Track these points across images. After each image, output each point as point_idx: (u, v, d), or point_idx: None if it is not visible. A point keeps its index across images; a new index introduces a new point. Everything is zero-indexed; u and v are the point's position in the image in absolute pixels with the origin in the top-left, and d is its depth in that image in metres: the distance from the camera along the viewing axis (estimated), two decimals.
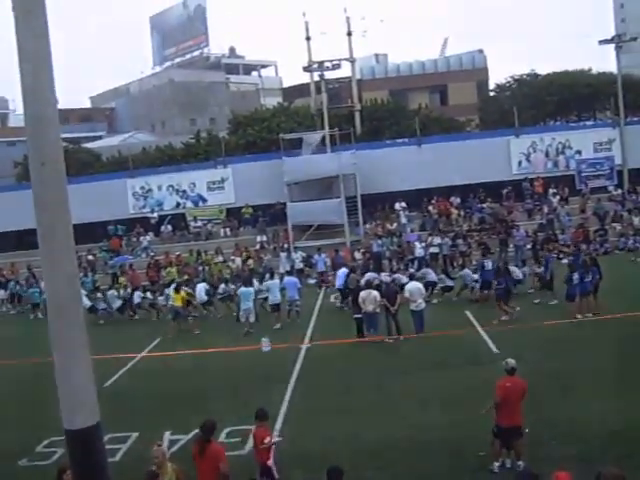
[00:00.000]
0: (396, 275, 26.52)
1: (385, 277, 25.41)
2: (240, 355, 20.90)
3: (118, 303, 30.06)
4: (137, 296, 30.11)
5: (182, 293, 26.47)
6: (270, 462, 10.67)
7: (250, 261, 34.59)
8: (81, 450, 6.25)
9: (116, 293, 30.34)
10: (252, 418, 13.88)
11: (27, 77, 5.64)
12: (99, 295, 30.46)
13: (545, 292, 24.80)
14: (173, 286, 27.70)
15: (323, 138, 40.51)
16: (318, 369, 18.91)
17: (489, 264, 25.04)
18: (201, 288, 28.31)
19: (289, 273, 29.28)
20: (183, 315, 26.26)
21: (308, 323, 24.97)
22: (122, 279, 33.21)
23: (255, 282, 27.27)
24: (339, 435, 13.26)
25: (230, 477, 9.93)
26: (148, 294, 30.21)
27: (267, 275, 29.40)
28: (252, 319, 24.76)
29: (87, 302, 28.12)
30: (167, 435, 14.51)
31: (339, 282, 27.27)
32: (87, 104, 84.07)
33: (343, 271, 27.33)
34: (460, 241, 34.43)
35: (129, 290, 30.86)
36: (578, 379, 15.69)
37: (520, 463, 11.40)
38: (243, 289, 25.45)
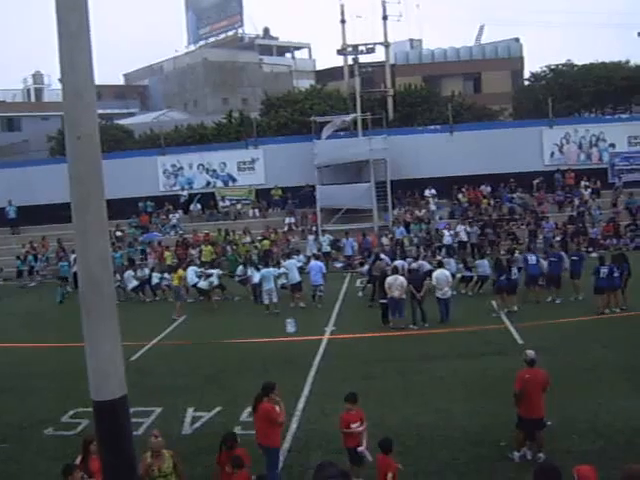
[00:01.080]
0: (420, 262, 26.36)
1: (412, 264, 25.34)
2: (264, 337, 21.05)
3: (134, 283, 29.68)
4: (155, 277, 30.14)
5: (179, 272, 26.96)
6: (361, 448, 10.52)
7: (265, 242, 35.03)
8: (107, 421, 6.37)
9: (133, 273, 29.80)
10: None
11: (66, 52, 5.71)
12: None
13: (551, 289, 23.99)
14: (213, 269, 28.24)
15: (355, 122, 40.39)
16: (341, 354, 18.96)
17: (533, 258, 24.28)
18: (190, 271, 27.87)
19: (315, 257, 29.21)
20: (179, 293, 26.44)
21: (332, 307, 25.00)
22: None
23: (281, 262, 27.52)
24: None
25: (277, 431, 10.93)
26: (166, 275, 29.56)
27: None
28: (275, 299, 24.91)
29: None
30: (190, 412, 14.67)
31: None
32: (121, 81, 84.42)
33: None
34: (490, 230, 34.27)
35: (147, 271, 30.43)
36: (602, 374, 15.60)
37: (541, 455, 11.38)
38: (264, 270, 25.76)
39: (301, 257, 27.26)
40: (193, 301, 27.76)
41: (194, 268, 28.55)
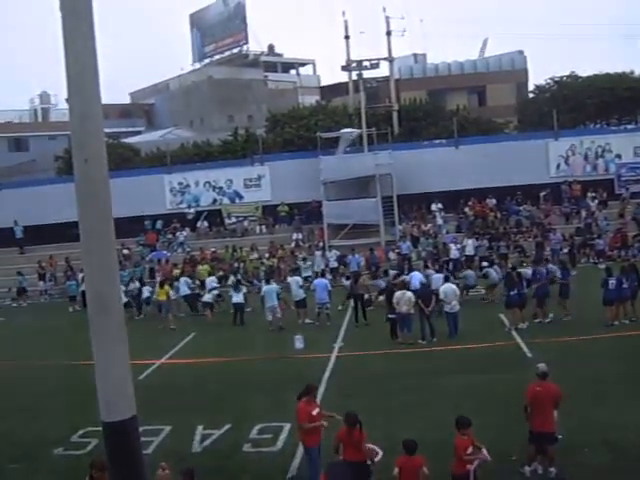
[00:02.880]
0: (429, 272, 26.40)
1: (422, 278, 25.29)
2: (273, 354, 21.03)
3: (123, 300, 29.77)
4: (146, 290, 30.35)
5: (165, 288, 27.88)
6: (471, 466, 10.07)
7: (273, 260, 35.34)
8: (117, 442, 6.36)
9: (124, 288, 30.23)
10: (282, 416, 14.06)
11: (73, 75, 5.75)
12: None
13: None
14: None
15: (360, 137, 40.50)
16: (350, 370, 18.93)
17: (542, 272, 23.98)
18: (183, 283, 29.32)
19: (321, 274, 29.20)
20: (166, 308, 27.40)
21: (341, 324, 24.97)
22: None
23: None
24: (371, 434, 13.22)
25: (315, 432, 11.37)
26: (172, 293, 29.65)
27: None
28: (279, 314, 25.09)
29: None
30: (200, 430, 14.65)
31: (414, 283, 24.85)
32: (127, 100, 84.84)
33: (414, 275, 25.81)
34: (499, 243, 34.22)
35: (137, 283, 30.69)
36: (614, 386, 15.52)
37: (552, 470, 11.32)
38: (266, 287, 25.90)
39: (297, 278, 27.16)
40: (183, 315, 28.98)
41: (186, 279, 29.70)
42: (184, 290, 29.45)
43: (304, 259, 34.79)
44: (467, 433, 10.28)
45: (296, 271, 30.97)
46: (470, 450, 10.12)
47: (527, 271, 24.46)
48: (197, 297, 29.68)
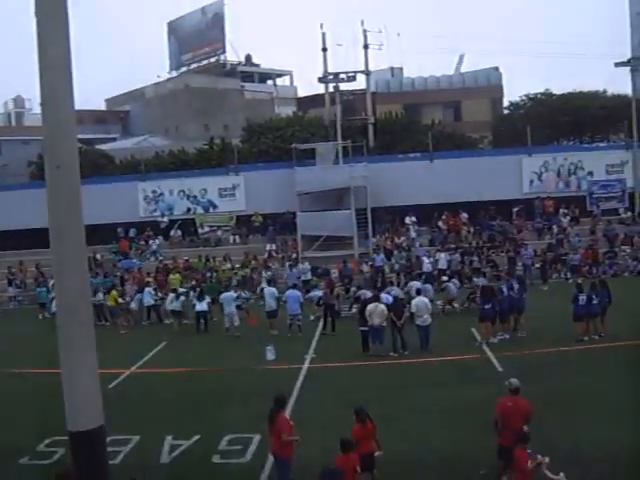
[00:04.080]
0: (394, 289, 26.36)
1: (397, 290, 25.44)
2: (243, 364, 20.93)
3: None
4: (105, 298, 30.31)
5: (114, 293, 29.21)
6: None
7: (246, 270, 35.27)
8: (84, 452, 6.30)
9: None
10: (252, 427, 14.00)
11: (47, 83, 5.72)
12: None
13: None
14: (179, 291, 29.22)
15: (336, 150, 40.57)
16: (321, 382, 18.88)
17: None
18: (147, 293, 29.82)
19: (293, 285, 29.23)
20: (116, 313, 28.68)
21: (312, 335, 24.93)
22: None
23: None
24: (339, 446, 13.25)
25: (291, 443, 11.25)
26: (120, 299, 30.13)
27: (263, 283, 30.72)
28: (236, 322, 25.62)
29: None
30: (169, 440, 14.53)
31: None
32: (102, 106, 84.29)
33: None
34: (475, 258, 34.38)
35: (101, 295, 30.31)
36: (583, 403, 15.62)
37: None
38: (224, 294, 26.72)
39: (273, 289, 27.27)
40: (146, 324, 29.64)
41: (150, 290, 30.03)
42: (148, 300, 29.76)
43: (290, 266, 34.78)
44: (525, 447, 10.31)
45: (271, 282, 30.90)
46: (530, 463, 10.08)
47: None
48: (159, 307, 30.01)
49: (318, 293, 28.11)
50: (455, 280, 29.20)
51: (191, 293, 29.03)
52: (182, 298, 28.12)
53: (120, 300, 29.65)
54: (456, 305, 27.91)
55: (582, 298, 21.76)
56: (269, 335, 24.76)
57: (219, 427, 15.11)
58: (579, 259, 34.80)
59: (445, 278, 29.35)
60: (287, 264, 35.44)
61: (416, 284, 25.97)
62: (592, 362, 19.20)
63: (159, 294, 30.76)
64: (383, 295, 23.42)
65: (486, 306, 22.46)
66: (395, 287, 26.58)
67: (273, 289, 27.37)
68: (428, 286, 26.62)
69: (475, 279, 28.57)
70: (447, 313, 27.32)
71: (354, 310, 26.84)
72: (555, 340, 21.41)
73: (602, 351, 20.32)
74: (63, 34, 5.83)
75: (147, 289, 30.11)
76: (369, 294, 24.97)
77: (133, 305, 29.97)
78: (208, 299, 27.66)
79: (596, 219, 38.62)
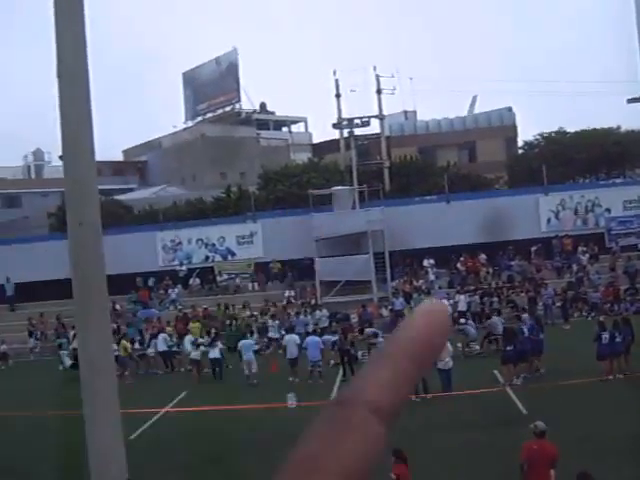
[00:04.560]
0: None
1: None
2: (264, 413, 20.80)
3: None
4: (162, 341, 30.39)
5: (123, 343, 29.05)
6: None
7: (266, 317, 35.14)
8: None
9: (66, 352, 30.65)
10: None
11: (68, 142, 5.83)
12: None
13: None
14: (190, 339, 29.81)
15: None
16: None
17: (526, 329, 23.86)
18: (161, 339, 30.12)
19: (313, 331, 29.13)
20: (126, 364, 28.22)
21: (334, 380, 24.77)
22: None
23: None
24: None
25: None
26: (137, 345, 30.64)
27: (284, 330, 30.86)
28: (254, 369, 25.43)
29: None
30: None
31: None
32: (120, 157, 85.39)
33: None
34: (495, 299, 34.21)
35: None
36: (610, 443, 15.38)
37: None
38: (243, 341, 26.71)
39: (295, 337, 27.33)
40: (161, 373, 29.87)
41: (165, 336, 30.41)
42: (161, 346, 29.96)
43: (297, 314, 34.75)
44: None
45: (292, 329, 30.79)
46: None
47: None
48: (175, 354, 30.27)
49: (331, 337, 27.88)
50: (471, 322, 29.64)
51: (203, 340, 29.18)
52: (202, 348, 28.09)
53: (149, 351, 30.15)
54: (477, 347, 27.76)
55: (605, 337, 21.57)
56: (289, 382, 24.66)
57: (241, 478, 14.99)
58: (599, 297, 34.52)
59: (462, 320, 29.41)
60: (294, 312, 35.24)
61: None
62: (618, 402, 18.93)
63: (174, 340, 30.89)
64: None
65: (508, 348, 22.30)
66: None
67: (295, 336, 27.33)
68: None
69: (491, 319, 28.66)
70: (467, 355, 27.08)
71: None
72: (579, 380, 21.15)
73: (626, 388, 20.07)
74: (84, 96, 5.96)
75: (161, 335, 30.47)
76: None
77: (150, 351, 30.11)
78: (221, 346, 27.86)
79: (615, 256, 38.37)
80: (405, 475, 11.31)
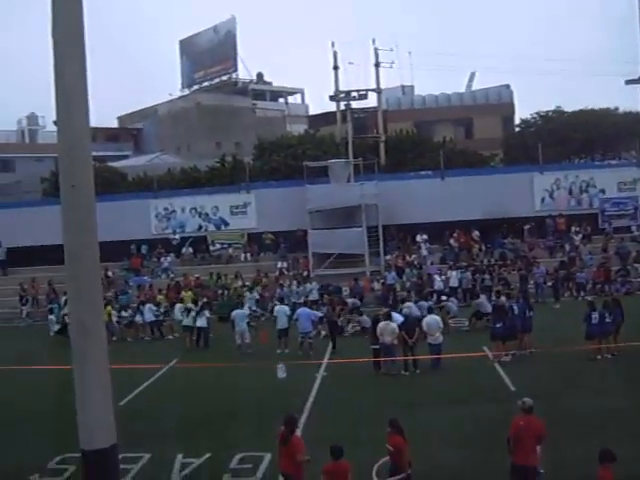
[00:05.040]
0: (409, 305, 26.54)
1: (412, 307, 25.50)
2: (253, 379, 20.87)
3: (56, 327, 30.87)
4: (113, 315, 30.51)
5: (108, 309, 28.65)
6: None
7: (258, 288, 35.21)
8: (96, 471, 6.30)
9: (54, 319, 30.81)
10: (263, 445, 13.93)
11: (62, 104, 5.77)
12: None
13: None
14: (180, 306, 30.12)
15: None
16: (332, 400, 18.83)
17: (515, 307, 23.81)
18: (147, 309, 30.40)
19: (304, 303, 29.16)
20: (112, 330, 28.08)
21: (324, 353, 24.86)
22: None
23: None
24: (353, 465, 13.19)
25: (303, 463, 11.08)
26: (123, 312, 30.87)
27: (276, 301, 30.78)
28: (247, 339, 25.60)
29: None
30: (179, 458, 14.50)
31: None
32: (115, 124, 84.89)
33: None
34: (487, 276, 34.30)
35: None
36: (596, 420, 15.51)
37: None
38: (236, 311, 26.71)
39: (285, 308, 27.39)
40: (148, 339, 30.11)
41: (151, 305, 30.80)
42: (149, 316, 30.20)
43: (282, 285, 34.96)
44: (610, 467, 10.28)
45: (283, 300, 30.88)
46: None
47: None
48: (162, 322, 30.57)
49: (317, 313, 27.69)
50: (453, 299, 30.30)
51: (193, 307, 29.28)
52: (192, 314, 28.17)
53: (137, 318, 30.37)
54: (466, 322, 27.91)
55: (595, 316, 21.65)
56: (279, 353, 24.75)
57: (230, 445, 15.07)
58: (585, 277, 34.64)
59: (444, 297, 30.24)
60: (286, 284, 35.31)
61: (424, 305, 26.04)
62: (605, 381, 19.06)
63: (161, 309, 31.10)
64: (394, 314, 23.30)
65: (497, 325, 22.40)
66: (411, 303, 26.49)
67: (285, 307, 27.38)
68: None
69: (479, 298, 28.93)
70: (450, 331, 26.94)
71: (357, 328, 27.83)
72: (568, 359, 21.25)
73: (613, 367, 20.20)
74: (80, 58, 5.89)
75: (147, 305, 30.68)
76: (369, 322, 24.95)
77: (138, 318, 30.30)
78: (208, 315, 28.10)
79: (608, 237, 38.49)
80: (402, 445, 11.31)
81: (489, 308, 26.66)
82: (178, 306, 30.36)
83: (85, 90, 5.96)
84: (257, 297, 33.36)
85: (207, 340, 27.33)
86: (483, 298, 28.57)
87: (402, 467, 11.18)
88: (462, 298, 33.09)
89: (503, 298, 25.76)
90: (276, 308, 27.25)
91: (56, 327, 30.96)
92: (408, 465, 11.27)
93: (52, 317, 31.87)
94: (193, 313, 28.13)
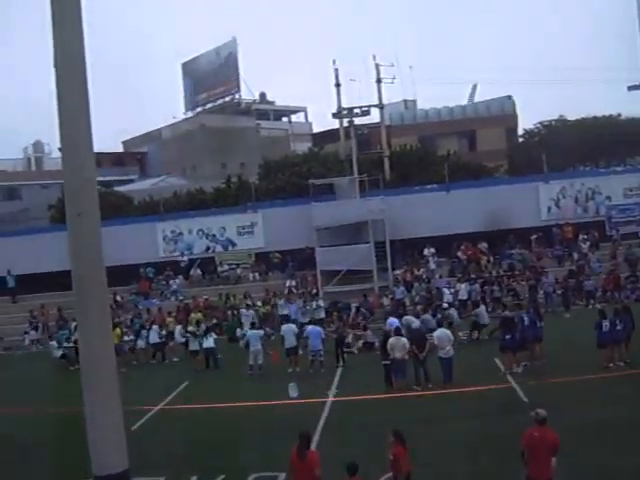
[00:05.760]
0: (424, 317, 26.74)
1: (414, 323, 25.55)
2: (266, 402, 20.85)
3: (58, 353, 30.73)
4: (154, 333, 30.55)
5: (117, 331, 28.60)
6: None
7: (267, 307, 35.28)
8: None
9: (56, 345, 30.66)
10: (277, 466, 13.90)
11: (66, 131, 5.83)
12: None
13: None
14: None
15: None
16: (344, 418, 18.78)
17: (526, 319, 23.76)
18: (153, 331, 30.44)
19: (314, 322, 29.11)
20: (120, 351, 27.83)
21: (335, 371, 24.81)
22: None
23: None
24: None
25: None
26: (125, 337, 30.62)
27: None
28: (260, 360, 25.39)
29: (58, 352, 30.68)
30: None
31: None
32: (120, 148, 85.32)
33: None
34: (496, 288, 34.20)
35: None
36: (609, 430, 15.41)
37: None
38: (251, 331, 26.58)
39: (292, 326, 27.43)
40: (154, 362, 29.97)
41: (156, 327, 30.68)
42: (154, 338, 30.17)
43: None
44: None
45: (289, 319, 30.85)
46: None
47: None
48: (164, 344, 30.51)
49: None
50: (454, 309, 30.21)
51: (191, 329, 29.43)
52: (199, 337, 28.21)
53: (140, 343, 30.31)
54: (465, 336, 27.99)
55: (605, 324, 21.53)
56: (290, 372, 24.71)
57: (244, 466, 15.04)
58: (594, 285, 34.52)
59: (445, 305, 30.25)
60: (279, 301, 35.34)
61: (429, 318, 26.50)
62: (618, 390, 18.96)
63: (164, 332, 31.11)
64: (389, 320, 23.58)
65: (506, 336, 22.32)
66: (410, 317, 26.69)
67: (292, 325, 27.38)
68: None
69: (478, 308, 29.10)
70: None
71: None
72: (580, 368, 21.17)
73: (628, 378, 20.08)
74: (82, 85, 5.95)
75: (154, 327, 30.69)
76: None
77: (140, 343, 30.26)
78: (215, 336, 28.17)
79: (616, 243, 38.36)
80: (402, 455, 11.39)
81: (486, 319, 27.43)
82: (178, 328, 30.53)
83: (88, 113, 6.02)
84: (252, 318, 32.73)
85: (216, 361, 27.32)
86: (482, 309, 28.82)
87: (398, 476, 11.27)
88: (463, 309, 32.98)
89: (507, 312, 25.52)
90: (283, 327, 27.17)
91: (59, 352, 30.96)
92: (407, 475, 11.34)
93: (53, 342, 31.84)
94: (198, 336, 28.20)
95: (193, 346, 28.14)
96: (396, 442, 11.61)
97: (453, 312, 29.37)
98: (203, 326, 29.66)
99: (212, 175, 58.43)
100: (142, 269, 40.71)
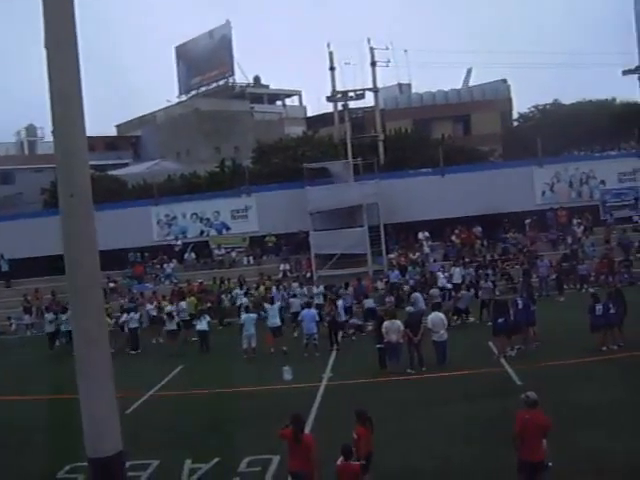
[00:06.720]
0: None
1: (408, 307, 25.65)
2: (260, 385, 20.89)
3: (50, 329, 30.94)
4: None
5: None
6: None
7: (261, 289, 35.16)
8: (102, 478, 6.30)
9: (64, 317, 30.05)
10: (271, 448, 13.94)
11: (58, 113, 5.78)
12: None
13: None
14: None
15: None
16: (339, 401, 18.79)
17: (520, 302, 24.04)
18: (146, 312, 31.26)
19: (308, 305, 29.19)
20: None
21: (329, 354, 24.87)
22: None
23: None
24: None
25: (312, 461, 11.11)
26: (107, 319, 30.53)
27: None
28: (254, 344, 25.47)
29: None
30: (188, 463, 14.50)
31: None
32: (113, 132, 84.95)
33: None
34: (490, 271, 34.22)
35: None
36: (603, 413, 15.49)
37: None
38: (245, 315, 26.55)
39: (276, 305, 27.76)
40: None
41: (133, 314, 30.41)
42: (134, 324, 29.92)
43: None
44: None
45: (273, 300, 30.86)
46: None
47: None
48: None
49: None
50: (438, 289, 30.93)
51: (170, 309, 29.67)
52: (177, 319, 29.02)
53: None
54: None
55: (599, 308, 21.60)
56: (273, 352, 24.93)
57: (238, 449, 15.07)
58: (586, 269, 34.61)
59: (436, 291, 30.49)
60: (274, 287, 35.18)
61: (417, 295, 27.12)
62: (612, 373, 19.05)
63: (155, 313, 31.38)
64: (365, 300, 25.25)
65: (499, 320, 22.38)
66: (418, 294, 27.67)
67: (275, 305, 27.74)
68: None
69: (462, 292, 29.46)
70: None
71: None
72: (573, 351, 21.26)
73: (621, 361, 20.17)
74: (73, 65, 5.90)
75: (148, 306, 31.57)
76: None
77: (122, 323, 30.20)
78: (208, 318, 28.23)
79: (610, 228, 38.45)
80: (364, 436, 11.47)
81: (464, 305, 28.17)
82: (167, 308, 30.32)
83: (80, 96, 5.96)
84: (247, 303, 32.69)
85: (208, 343, 27.41)
86: (465, 293, 29.18)
87: (360, 455, 11.23)
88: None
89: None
90: (267, 307, 27.46)
91: (51, 328, 31.04)
92: (366, 455, 11.37)
93: (48, 315, 31.87)
94: (177, 318, 28.96)
95: (170, 326, 28.46)
96: (358, 422, 11.72)
97: (435, 291, 29.99)
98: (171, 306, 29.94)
99: (206, 159, 58.28)
100: (131, 254, 40.70)
